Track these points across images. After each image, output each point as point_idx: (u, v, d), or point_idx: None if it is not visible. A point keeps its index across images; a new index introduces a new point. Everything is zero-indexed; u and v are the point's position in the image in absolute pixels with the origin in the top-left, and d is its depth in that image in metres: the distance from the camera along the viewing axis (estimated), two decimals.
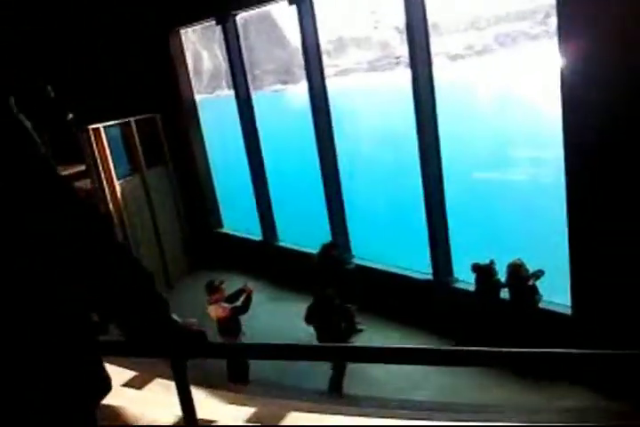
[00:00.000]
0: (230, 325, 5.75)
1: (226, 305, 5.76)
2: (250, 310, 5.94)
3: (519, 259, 5.83)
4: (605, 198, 4.88)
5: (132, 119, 9.03)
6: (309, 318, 5.96)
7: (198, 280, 9.33)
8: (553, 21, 5.09)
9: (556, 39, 4.89)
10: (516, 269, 5.68)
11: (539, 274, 5.70)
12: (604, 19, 4.47)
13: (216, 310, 5.72)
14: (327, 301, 5.87)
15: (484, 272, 6.03)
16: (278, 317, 7.84)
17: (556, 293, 5.79)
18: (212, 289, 5.83)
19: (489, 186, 9.81)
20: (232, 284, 8.97)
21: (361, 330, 7.04)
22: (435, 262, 6.88)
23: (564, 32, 4.82)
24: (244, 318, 5.98)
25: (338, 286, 6.70)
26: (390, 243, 8.90)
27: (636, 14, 4.30)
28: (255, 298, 8.18)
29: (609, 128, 4.66)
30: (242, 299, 5.84)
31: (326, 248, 7.17)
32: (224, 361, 5.80)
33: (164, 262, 9.52)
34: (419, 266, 7.26)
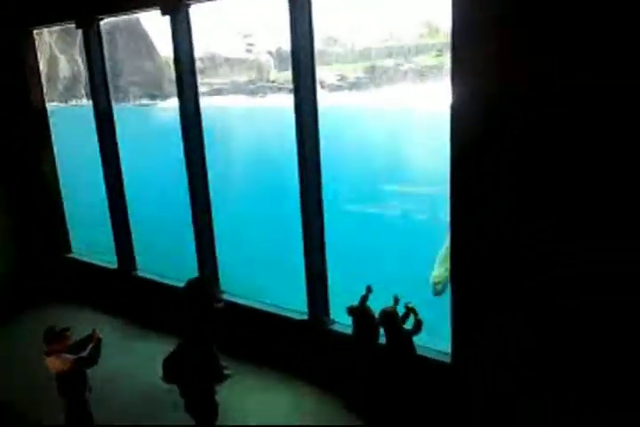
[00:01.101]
0: (73, 380, 4.80)
1: (68, 356, 4.79)
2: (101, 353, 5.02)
3: (393, 306, 5.49)
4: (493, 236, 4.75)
5: None
6: (170, 375, 5.13)
7: (39, 315, 8.16)
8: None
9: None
10: (389, 318, 5.33)
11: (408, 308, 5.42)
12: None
13: (54, 363, 4.74)
14: (195, 350, 5.12)
15: (359, 315, 5.65)
16: (134, 359, 6.96)
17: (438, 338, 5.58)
18: (53, 337, 4.81)
19: (362, 219, 9.64)
20: (80, 320, 7.97)
21: (228, 376, 6.36)
22: (311, 301, 6.43)
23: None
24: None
25: (206, 326, 6.03)
26: (265, 278, 8.33)
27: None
28: (109, 337, 7.23)
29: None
30: (89, 348, 4.89)
31: (193, 284, 6.36)
32: None
33: None
34: (297, 304, 6.77)
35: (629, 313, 4.23)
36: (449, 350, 5.41)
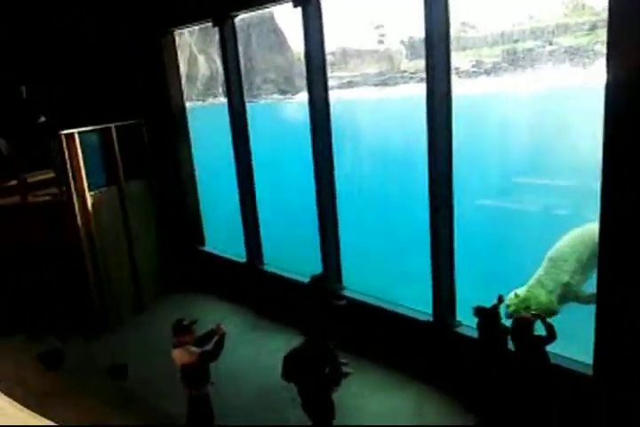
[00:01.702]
0: (197, 373, 4.86)
1: (194, 349, 4.87)
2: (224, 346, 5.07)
3: (532, 313, 4.96)
4: None
5: (112, 125, 8.24)
6: (289, 373, 5.00)
7: (174, 304, 8.60)
8: None
9: None
10: (526, 326, 4.78)
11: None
12: None
13: (182, 355, 4.82)
14: (319, 348, 4.99)
15: (489, 317, 5.18)
16: (257, 352, 7.04)
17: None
18: (181, 330, 4.91)
19: (496, 214, 9.00)
20: (208, 310, 8.27)
21: (347, 374, 6.21)
22: (436, 302, 6.06)
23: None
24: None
25: (326, 322, 5.93)
26: (389, 276, 8.06)
27: None
28: (236, 329, 7.43)
29: None
30: (213, 342, 4.95)
31: (317, 281, 6.27)
32: None
33: (136, 283, 8.69)
34: (417, 304, 6.44)
35: None
36: (589, 360, 4.83)
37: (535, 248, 6.95)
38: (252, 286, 8.50)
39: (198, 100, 14.14)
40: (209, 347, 4.93)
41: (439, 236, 5.87)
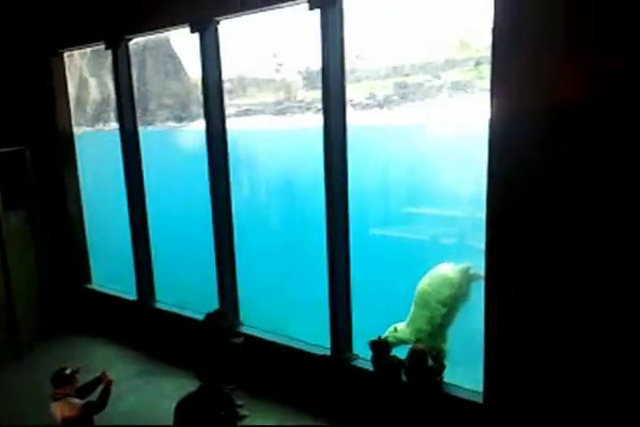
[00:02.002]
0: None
1: (76, 401, 4.41)
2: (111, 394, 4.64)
3: (425, 345, 5.05)
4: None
5: None
6: (183, 422, 4.57)
7: (57, 348, 7.90)
8: None
9: None
10: (420, 358, 4.83)
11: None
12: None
13: (62, 409, 4.35)
14: (214, 392, 4.68)
15: (381, 350, 5.19)
16: (148, 398, 6.55)
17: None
18: (62, 381, 4.45)
19: (388, 244, 9.12)
20: (95, 355, 7.66)
21: (245, 416, 5.96)
22: (334, 337, 5.99)
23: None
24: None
25: (224, 363, 5.67)
26: (286, 311, 7.91)
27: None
28: (124, 373, 6.91)
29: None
30: (99, 391, 4.52)
31: (212, 318, 6.01)
32: None
33: (12, 325, 7.90)
34: (317, 337, 6.34)
35: None
36: (480, 388, 4.92)
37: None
38: (143, 326, 8.00)
39: (88, 125, 13.41)
40: (93, 397, 4.50)
41: (335, 268, 5.85)
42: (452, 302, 5.47)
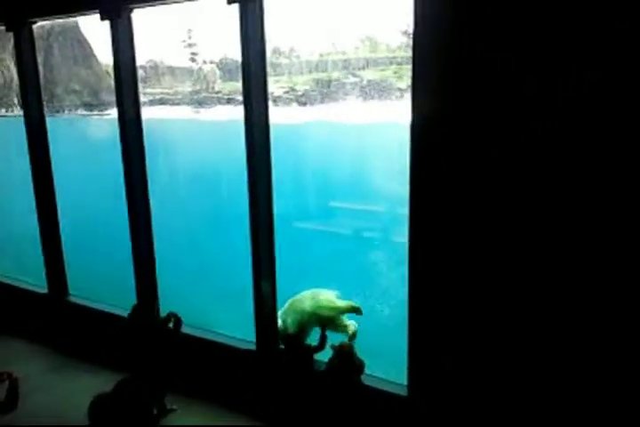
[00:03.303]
0: None
1: None
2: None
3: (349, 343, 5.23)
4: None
5: None
6: (98, 421, 4.44)
7: None
8: None
9: None
10: (348, 355, 4.98)
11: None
12: None
13: None
14: (132, 387, 4.57)
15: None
16: (59, 395, 6.30)
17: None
18: None
19: (309, 236, 9.29)
20: (2, 349, 7.28)
21: (172, 410, 5.89)
22: (259, 329, 6.03)
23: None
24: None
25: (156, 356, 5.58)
26: (208, 304, 7.85)
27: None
28: (34, 369, 6.62)
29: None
30: (6, 392, 4.30)
31: (139, 309, 5.88)
32: None
33: None
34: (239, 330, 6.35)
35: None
36: (405, 381, 5.14)
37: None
38: (55, 320, 7.67)
39: None
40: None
41: (260, 259, 5.86)
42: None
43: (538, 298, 4.23)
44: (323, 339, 5.41)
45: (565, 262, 4.07)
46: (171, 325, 5.83)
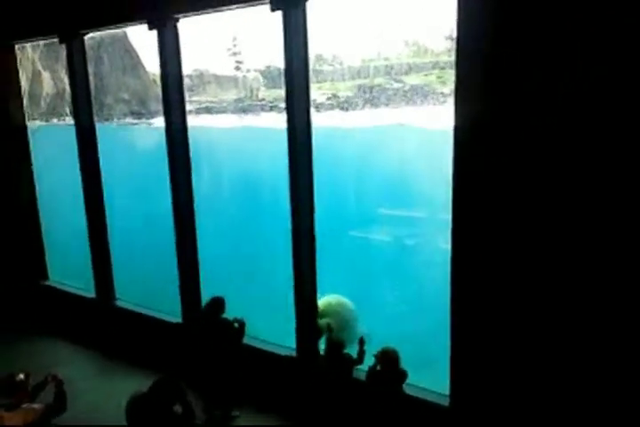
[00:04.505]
0: None
1: (36, 406, 4.23)
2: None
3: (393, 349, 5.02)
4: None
5: None
6: (136, 420, 4.38)
7: (8, 349, 7.64)
8: None
9: None
10: (393, 362, 4.88)
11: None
12: None
13: (24, 417, 4.16)
14: (166, 388, 4.52)
15: (335, 348, 5.38)
16: (106, 397, 6.38)
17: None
18: (14, 388, 4.26)
19: (354, 243, 9.24)
20: (52, 352, 7.47)
21: (235, 416, 5.94)
22: (300, 337, 6.02)
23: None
24: None
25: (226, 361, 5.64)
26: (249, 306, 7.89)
27: None
28: (82, 372, 6.77)
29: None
30: (54, 395, 4.38)
31: (214, 305, 5.77)
32: None
33: None
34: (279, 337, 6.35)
35: None
36: (447, 391, 5.03)
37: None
38: (101, 324, 7.85)
39: (42, 119, 13.05)
40: (50, 401, 4.36)
41: (302, 268, 5.85)
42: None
43: (579, 306, 4.08)
44: (361, 354, 5.30)
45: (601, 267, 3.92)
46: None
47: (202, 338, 5.80)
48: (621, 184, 3.80)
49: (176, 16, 6.22)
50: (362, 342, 5.29)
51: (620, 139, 3.76)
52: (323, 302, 6.19)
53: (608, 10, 3.65)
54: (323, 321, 5.94)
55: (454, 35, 4.39)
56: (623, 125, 3.73)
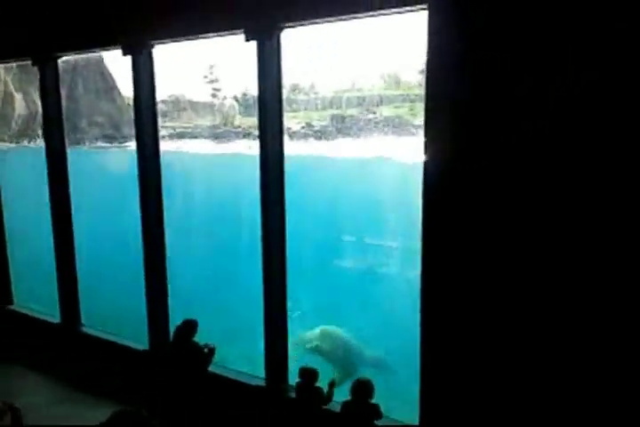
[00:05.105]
0: None
1: None
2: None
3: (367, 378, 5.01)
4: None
5: None
6: None
7: None
8: None
9: None
10: (367, 391, 4.80)
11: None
12: None
13: None
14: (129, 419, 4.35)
15: (309, 377, 5.19)
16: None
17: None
18: None
19: (323, 270, 9.26)
20: (14, 379, 7.22)
21: None
22: (269, 364, 5.94)
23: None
24: None
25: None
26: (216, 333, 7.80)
27: None
28: (44, 400, 6.54)
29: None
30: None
31: (186, 327, 5.50)
32: None
33: None
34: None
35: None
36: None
37: None
38: (67, 351, 7.62)
39: (13, 141, 12.88)
40: None
41: (271, 292, 5.81)
42: None
43: (558, 328, 4.13)
44: (330, 395, 5.05)
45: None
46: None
47: (170, 360, 5.65)
48: (617, 195, 3.86)
49: (151, 42, 6.27)
50: (332, 384, 5.20)
51: (613, 146, 3.82)
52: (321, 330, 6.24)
53: (599, 15, 3.75)
54: (313, 344, 5.92)
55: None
56: (616, 131, 3.80)
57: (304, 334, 7.35)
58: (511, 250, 4.22)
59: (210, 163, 10.73)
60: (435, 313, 4.67)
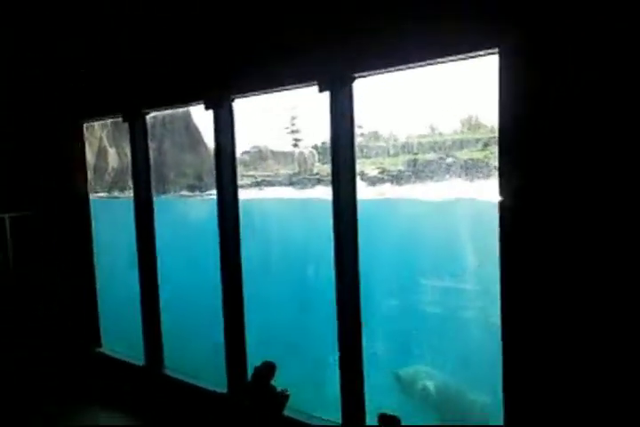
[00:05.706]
0: None
1: None
2: None
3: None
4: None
5: (6, 216, 7.86)
6: None
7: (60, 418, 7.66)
8: None
9: None
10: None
11: None
12: None
13: None
14: None
15: (391, 424, 4.97)
16: None
17: None
18: None
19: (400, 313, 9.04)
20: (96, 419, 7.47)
21: None
22: (346, 409, 5.81)
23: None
24: None
25: None
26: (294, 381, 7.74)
27: None
28: None
29: None
30: None
31: (266, 369, 5.27)
32: None
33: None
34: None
35: None
36: None
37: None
38: (149, 393, 7.84)
39: (105, 192, 13.79)
40: None
41: (346, 339, 5.75)
42: None
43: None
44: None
45: None
46: None
47: (248, 403, 5.60)
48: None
49: (231, 96, 6.63)
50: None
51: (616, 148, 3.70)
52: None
53: (599, 15, 3.67)
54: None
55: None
56: (618, 133, 3.70)
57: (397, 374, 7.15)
58: (593, 289, 4.00)
59: (288, 207, 10.97)
60: (517, 356, 4.45)
